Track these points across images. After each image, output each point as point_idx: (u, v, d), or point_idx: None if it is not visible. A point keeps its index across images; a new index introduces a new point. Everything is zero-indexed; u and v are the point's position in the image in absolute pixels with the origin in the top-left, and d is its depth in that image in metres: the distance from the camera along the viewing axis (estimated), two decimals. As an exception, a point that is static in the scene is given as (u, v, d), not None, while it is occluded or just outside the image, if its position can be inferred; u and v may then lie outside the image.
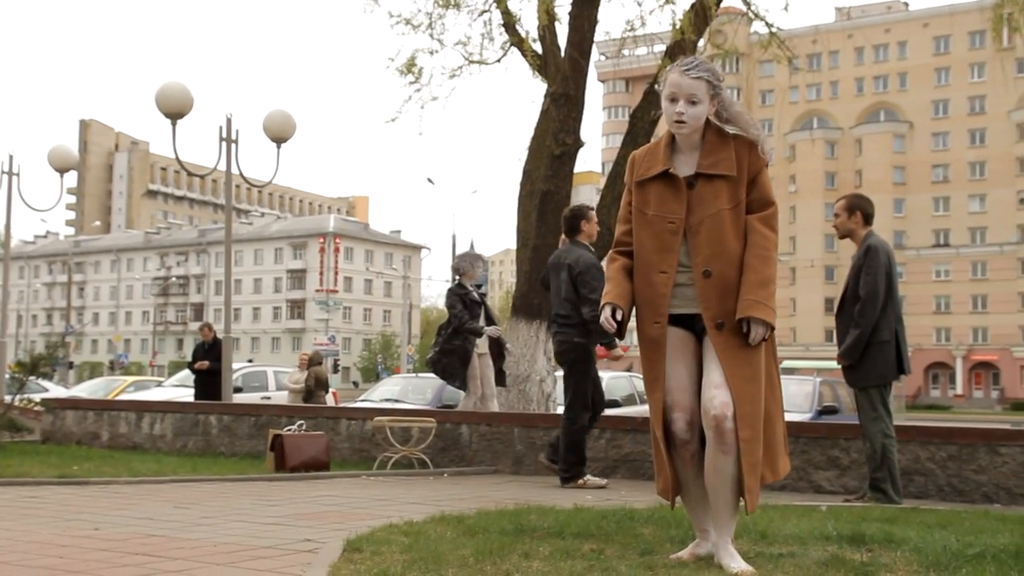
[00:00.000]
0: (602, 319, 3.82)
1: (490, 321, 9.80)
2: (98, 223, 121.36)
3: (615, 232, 3.99)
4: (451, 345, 9.51)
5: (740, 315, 3.64)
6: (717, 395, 3.63)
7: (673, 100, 3.75)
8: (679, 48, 11.38)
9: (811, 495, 7.25)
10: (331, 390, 17.67)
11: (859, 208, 6.93)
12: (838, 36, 76.54)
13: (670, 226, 3.75)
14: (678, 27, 11.36)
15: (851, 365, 6.73)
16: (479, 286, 10.10)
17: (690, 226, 3.73)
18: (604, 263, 3.93)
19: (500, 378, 10.00)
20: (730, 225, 3.72)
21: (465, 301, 9.56)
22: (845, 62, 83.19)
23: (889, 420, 6.74)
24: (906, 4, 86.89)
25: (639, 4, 12.05)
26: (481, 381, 9.80)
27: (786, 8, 12.20)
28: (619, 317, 3.79)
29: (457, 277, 9.86)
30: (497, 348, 9.86)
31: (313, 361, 17.05)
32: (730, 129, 3.79)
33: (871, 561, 3.71)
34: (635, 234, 3.86)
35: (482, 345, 9.68)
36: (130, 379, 23.52)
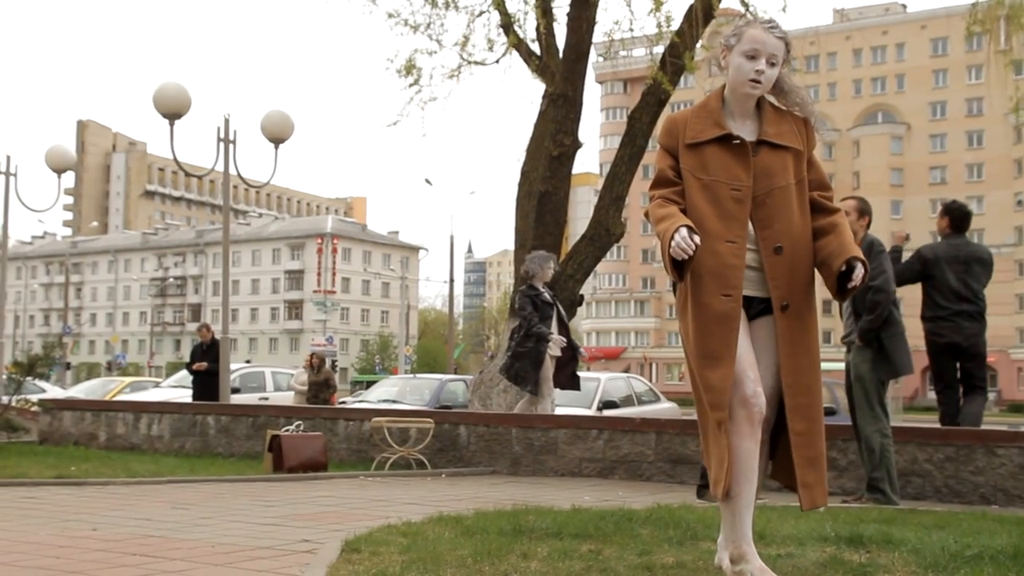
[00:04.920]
0: (677, 240, 3.23)
1: (562, 322, 9.45)
2: (95, 224, 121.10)
3: (651, 197, 3.54)
4: (523, 348, 9.13)
5: (846, 256, 3.33)
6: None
7: (753, 58, 3.42)
8: (676, 47, 11.37)
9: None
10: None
11: (868, 213, 6.98)
12: (836, 38, 76.64)
13: (735, 193, 3.39)
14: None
15: (865, 347, 6.68)
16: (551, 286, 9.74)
17: (756, 196, 3.40)
18: (652, 208, 3.49)
19: (574, 382, 9.58)
20: (797, 201, 3.44)
21: (536, 303, 9.19)
22: (843, 64, 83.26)
23: (886, 419, 6.75)
24: (904, 6, 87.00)
25: (631, 10, 12.03)
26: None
27: (784, 9, 12.11)
28: (698, 240, 3.25)
29: (528, 279, 9.46)
30: (571, 351, 9.44)
31: (324, 363, 17.12)
32: (782, 103, 3.55)
33: (869, 562, 3.71)
34: (688, 198, 3.45)
35: (555, 347, 9.29)
36: (127, 380, 23.46)
